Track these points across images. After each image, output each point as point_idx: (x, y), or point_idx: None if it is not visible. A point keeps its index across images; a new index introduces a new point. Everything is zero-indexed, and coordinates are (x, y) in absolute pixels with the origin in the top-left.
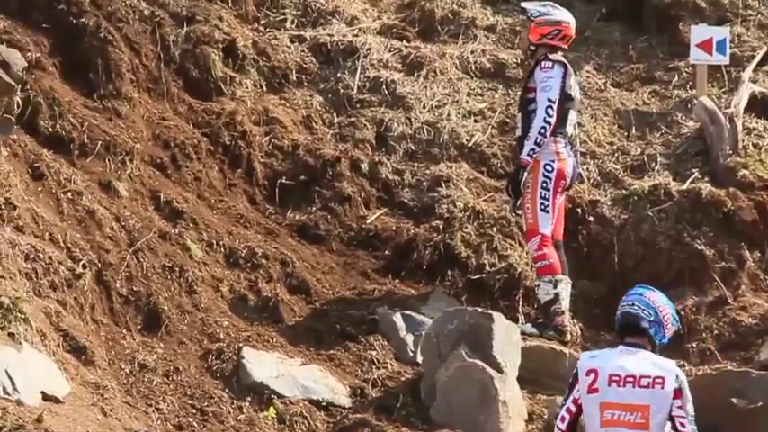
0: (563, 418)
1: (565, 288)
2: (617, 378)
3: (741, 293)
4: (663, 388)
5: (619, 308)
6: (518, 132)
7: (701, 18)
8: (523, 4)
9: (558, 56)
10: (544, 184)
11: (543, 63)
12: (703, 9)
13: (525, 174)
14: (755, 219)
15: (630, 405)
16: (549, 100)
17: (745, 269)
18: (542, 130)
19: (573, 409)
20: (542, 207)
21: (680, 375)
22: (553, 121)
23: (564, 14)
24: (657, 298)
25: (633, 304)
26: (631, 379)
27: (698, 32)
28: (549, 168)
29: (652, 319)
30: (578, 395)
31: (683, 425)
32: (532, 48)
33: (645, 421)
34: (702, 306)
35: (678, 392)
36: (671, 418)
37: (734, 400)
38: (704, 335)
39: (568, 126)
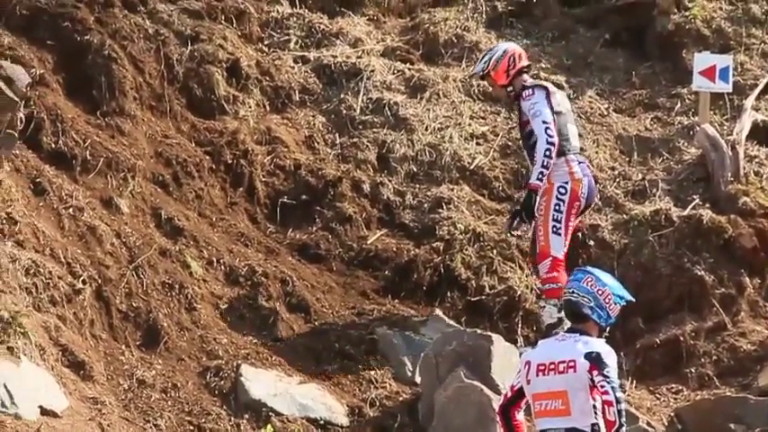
0: (499, 400)
1: None
2: (543, 367)
3: (740, 320)
4: (575, 371)
5: (564, 294)
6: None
7: (704, 46)
8: (468, 75)
9: (535, 80)
10: (557, 207)
11: (524, 93)
12: (707, 37)
13: (538, 197)
14: (756, 246)
15: (552, 392)
16: (545, 122)
17: (745, 296)
18: (547, 152)
19: (509, 394)
20: (554, 229)
21: (595, 352)
22: (555, 140)
23: (500, 45)
24: (595, 281)
25: (573, 292)
26: (553, 366)
27: (701, 60)
28: (562, 191)
29: (592, 304)
30: (516, 383)
31: (602, 386)
32: (509, 89)
33: (566, 407)
34: (701, 332)
35: (593, 365)
36: (594, 389)
37: (732, 426)
38: (703, 360)
39: (573, 140)
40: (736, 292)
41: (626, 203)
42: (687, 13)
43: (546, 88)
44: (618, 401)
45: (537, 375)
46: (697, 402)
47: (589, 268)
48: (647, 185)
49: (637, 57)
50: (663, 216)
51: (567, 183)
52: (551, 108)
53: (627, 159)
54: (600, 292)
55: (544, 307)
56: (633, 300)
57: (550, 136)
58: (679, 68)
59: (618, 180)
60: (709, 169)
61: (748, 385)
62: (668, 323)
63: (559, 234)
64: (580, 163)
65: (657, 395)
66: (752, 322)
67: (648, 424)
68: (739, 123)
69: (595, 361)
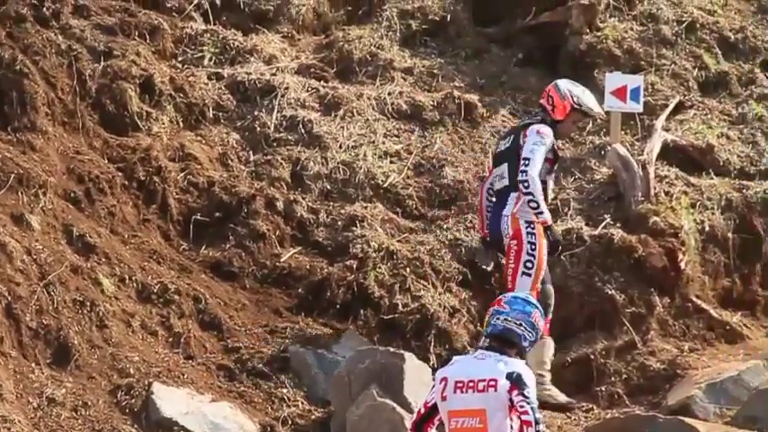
0: (412, 417)
1: None
2: (461, 384)
3: (650, 339)
4: (495, 390)
5: (498, 316)
6: None
7: (615, 66)
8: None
9: None
10: None
11: None
12: (618, 57)
13: None
14: (665, 265)
15: (470, 410)
16: None
17: (655, 315)
18: None
19: (422, 410)
20: None
21: (516, 372)
22: None
23: None
24: (539, 316)
25: (521, 324)
26: (471, 384)
27: (612, 80)
28: None
29: (532, 339)
30: (430, 398)
31: (522, 406)
32: None
33: (483, 425)
34: (612, 350)
35: (513, 386)
36: (512, 409)
37: None
38: (613, 379)
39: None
40: (646, 311)
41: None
42: (599, 34)
43: None
44: (537, 422)
45: (454, 392)
46: (607, 421)
47: (533, 299)
48: (558, 204)
49: (549, 76)
50: (574, 235)
51: None
52: None
53: None
54: (540, 328)
55: None
56: None
57: None
58: (591, 88)
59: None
60: (620, 189)
61: (658, 404)
62: (579, 342)
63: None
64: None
65: (568, 413)
66: (661, 341)
67: None
68: (650, 143)
69: (516, 381)
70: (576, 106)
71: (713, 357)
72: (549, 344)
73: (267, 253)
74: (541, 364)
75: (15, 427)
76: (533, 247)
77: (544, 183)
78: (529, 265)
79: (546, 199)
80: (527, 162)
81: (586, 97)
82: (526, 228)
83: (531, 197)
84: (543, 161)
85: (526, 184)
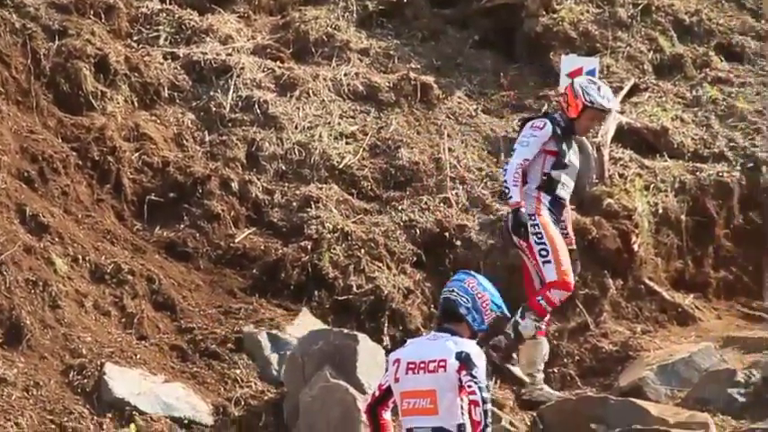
0: (366, 399)
1: None
2: (413, 366)
3: (603, 321)
4: (445, 370)
5: (442, 294)
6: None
7: (571, 48)
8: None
9: None
10: None
11: None
12: (574, 39)
13: None
14: (619, 247)
15: (421, 391)
16: None
17: (608, 297)
18: None
19: (377, 393)
20: None
21: (465, 352)
22: None
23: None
24: (476, 284)
25: (453, 290)
26: (423, 365)
27: (568, 62)
28: None
29: (470, 305)
30: (385, 381)
31: (470, 386)
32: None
33: (433, 406)
34: (565, 332)
35: (462, 365)
36: (462, 389)
37: (593, 426)
38: (566, 360)
39: None
40: (599, 292)
41: (493, 204)
42: (555, 16)
43: None
44: (484, 402)
45: (406, 373)
46: (559, 402)
47: (472, 272)
48: None
49: (505, 58)
50: None
51: None
52: None
53: (494, 160)
54: (479, 296)
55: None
56: (509, 315)
57: None
58: (546, 70)
59: (485, 180)
60: None
61: (609, 386)
62: None
63: None
64: None
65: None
66: (614, 323)
67: (511, 423)
68: (604, 126)
69: (465, 361)
70: (587, 104)
71: (665, 339)
72: (543, 345)
73: (222, 233)
74: (533, 365)
75: None
76: (540, 236)
77: (547, 175)
78: (544, 253)
79: (557, 194)
80: (513, 153)
81: (600, 94)
82: (529, 221)
83: (505, 183)
84: (542, 153)
85: (504, 170)
